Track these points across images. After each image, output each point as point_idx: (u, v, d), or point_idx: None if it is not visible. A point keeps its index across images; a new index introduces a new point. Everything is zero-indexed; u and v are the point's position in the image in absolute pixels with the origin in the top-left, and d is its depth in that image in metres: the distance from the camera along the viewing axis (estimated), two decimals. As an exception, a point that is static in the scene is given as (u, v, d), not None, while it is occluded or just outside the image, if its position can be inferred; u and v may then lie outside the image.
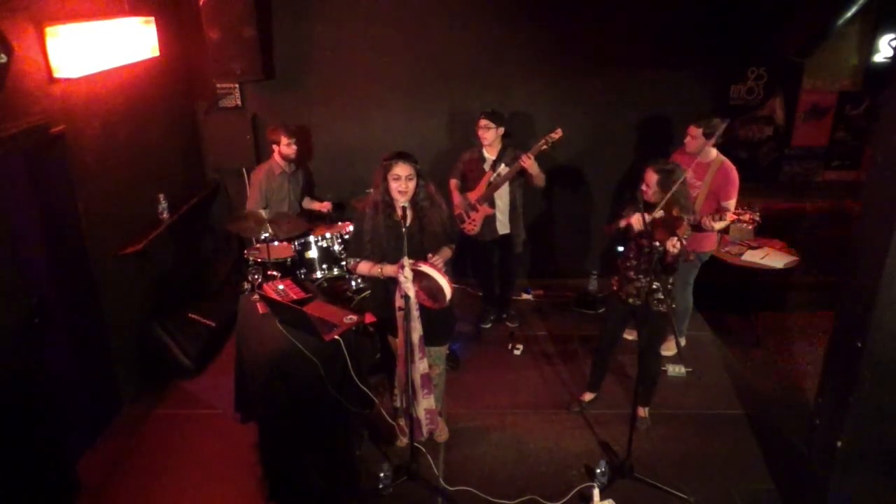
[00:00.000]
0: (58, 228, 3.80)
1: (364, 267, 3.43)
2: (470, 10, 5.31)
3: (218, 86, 5.45)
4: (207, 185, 5.75)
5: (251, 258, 4.72)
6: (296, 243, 4.82)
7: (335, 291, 4.93)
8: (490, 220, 4.78)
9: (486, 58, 5.45)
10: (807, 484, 3.33)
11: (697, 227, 4.00)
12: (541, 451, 3.91)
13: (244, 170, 5.56)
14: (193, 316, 4.86)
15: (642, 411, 4.06)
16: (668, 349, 4.83)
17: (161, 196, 4.80)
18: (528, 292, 5.84)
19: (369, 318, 3.63)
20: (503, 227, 4.83)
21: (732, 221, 3.73)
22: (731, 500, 3.54)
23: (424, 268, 3.14)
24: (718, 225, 3.95)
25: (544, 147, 4.47)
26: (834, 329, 3.16)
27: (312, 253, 4.87)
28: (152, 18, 4.49)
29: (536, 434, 4.05)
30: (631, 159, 5.53)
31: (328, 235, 4.90)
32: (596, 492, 3.44)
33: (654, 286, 3.52)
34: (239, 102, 5.55)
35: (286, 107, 5.55)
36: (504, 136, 4.69)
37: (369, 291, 4.02)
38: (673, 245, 3.31)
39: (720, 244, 5.09)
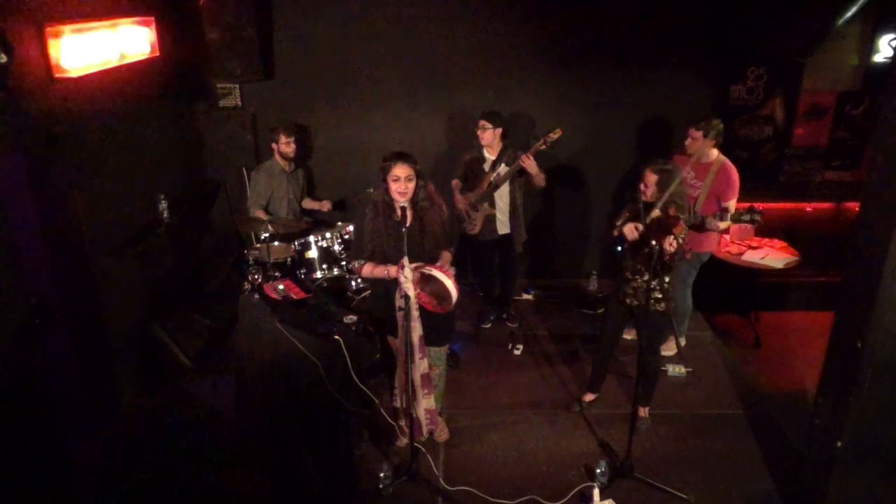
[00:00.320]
0: (58, 228, 3.80)
1: (367, 269, 3.40)
2: (470, 10, 5.31)
3: (218, 86, 5.45)
4: (207, 185, 5.75)
5: (251, 258, 4.72)
6: (296, 243, 4.82)
7: (335, 291, 4.93)
8: (490, 220, 4.78)
9: (486, 58, 5.45)
10: (807, 484, 3.33)
11: (701, 227, 4.00)
12: (541, 451, 3.91)
13: (244, 170, 5.56)
14: (193, 316, 4.86)
15: (642, 411, 4.06)
16: (668, 349, 4.83)
17: (161, 196, 4.80)
18: (528, 292, 5.84)
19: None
20: (503, 227, 4.84)
21: (734, 222, 3.73)
22: (731, 500, 3.54)
23: (434, 272, 3.13)
24: (723, 224, 3.95)
25: (543, 147, 4.47)
26: (834, 329, 3.16)
27: (312, 253, 4.87)
28: (152, 18, 4.49)
29: (536, 434, 4.05)
30: (631, 159, 5.53)
31: (328, 235, 4.90)
32: (596, 492, 3.44)
33: (651, 285, 3.53)
34: (239, 102, 5.55)
35: (286, 107, 5.55)
36: (504, 137, 4.69)
37: (369, 291, 4.02)
38: (669, 244, 3.32)
39: (720, 244, 5.09)
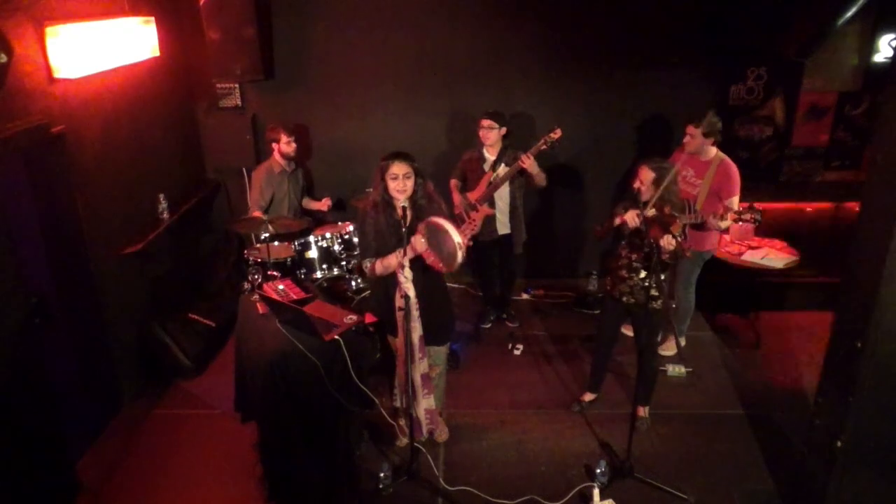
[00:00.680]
0: (58, 228, 3.80)
1: (379, 265, 3.36)
2: (470, 10, 5.31)
3: (218, 86, 5.45)
4: (207, 185, 5.75)
5: (251, 258, 4.72)
6: (296, 243, 4.82)
7: (335, 291, 4.93)
8: (490, 220, 4.78)
9: (487, 58, 5.45)
10: (807, 484, 3.33)
11: (702, 226, 4.00)
12: (541, 451, 3.91)
13: (244, 169, 5.56)
14: (193, 316, 4.86)
15: (642, 411, 4.06)
16: (668, 349, 4.84)
17: (161, 196, 4.80)
18: (528, 292, 5.84)
19: (369, 318, 3.63)
20: (503, 227, 4.84)
21: (734, 221, 3.73)
22: (731, 500, 3.55)
23: (440, 221, 3.07)
24: (724, 223, 3.95)
25: (543, 147, 4.47)
26: (834, 329, 3.16)
27: (312, 253, 4.87)
28: (152, 18, 4.49)
29: (536, 434, 4.05)
30: (631, 159, 5.52)
31: (328, 235, 4.90)
32: (596, 492, 3.44)
33: (647, 283, 3.53)
34: (239, 102, 5.55)
35: (286, 107, 5.55)
36: (504, 136, 4.69)
37: (369, 291, 4.01)
38: (668, 242, 3.32)
39: (720, 244, 5.09)
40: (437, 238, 3.14)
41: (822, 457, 3.17)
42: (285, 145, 4.87)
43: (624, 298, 3.78)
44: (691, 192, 4.33)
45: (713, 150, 4.32)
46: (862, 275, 2.89)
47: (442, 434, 3.97)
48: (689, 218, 3.73)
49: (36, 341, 3.40)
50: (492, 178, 4.67)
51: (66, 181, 3.75)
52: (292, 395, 3.32)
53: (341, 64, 5.47)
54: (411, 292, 3.18)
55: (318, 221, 5.32)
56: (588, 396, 4.29)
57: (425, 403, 3.50)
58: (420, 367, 3.38)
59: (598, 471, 3.57)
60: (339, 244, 4.93)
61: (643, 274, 3.65)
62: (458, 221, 4.74)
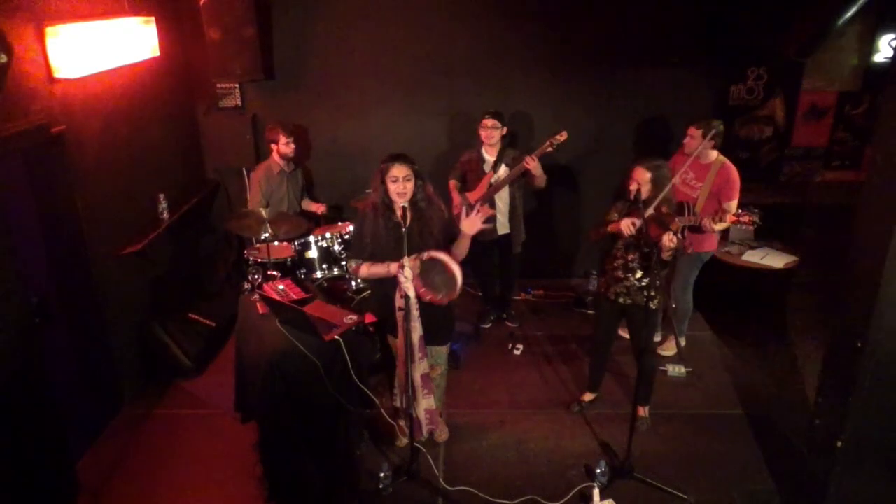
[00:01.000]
0: (58, 228, 3.80)
1: (365, 269, 3.42)
2: (470, 10, 5.31)
3: (218, 86, 5.45)
4: (207, 185, 5.75)
5: (251, 258, 4.72)
6: (296, 243, 4.82)
7: (335, 291, 4.93)
8: (490, 221, 4.77)
9: (487, 57, 5.45)
10: (807, 484, 3.33)
11: (698, 229, 4.00)
12: (541, 451, 3.91)
13: (244, 169, 5.56)
14: (193, 316, 4.86)
15: (642, 411, 4.06)
16: (668, 349, 4.84)
17: (161, 196, 4.80)
18: (528, 292, 5.84)
19: (369, 318, 3.63)
20: (503, 227, 4.84)
21: (732, 223, 3.73)
22: (731, 500, 3.54)
23: (434, 254, 3.13)
24: (719, 226, 3.95)
25: (549, 149, 4.46)
26: (834, 329, 3.16)
27: (312, 253, 4.87)
28: (152, 18, 4.49)
29: (536, 434, 4.05)
30: (631, 159, 5.51)
31: (328, 235, 4.90)
32: (596, 492, 3.44)
33: (644, 283, 3.53)
34: (239, 102, 5.55)
35: (286, 107, 5.55)
36: (503, 136, 4.69)
37: (369, 291, 4.02)
38: (669, 239, 3.32)
39: (720, 244, 5.09)
40: (432, 271, 3.19)
41: (822, 457, 3.17)
42: (284, 146, 4.87)
43: (621, 300, 3.77)
44: (691, 194, 4.33)
45: (714, 153, 4.32)
46: (862, 275, 2.89)
47: (442, 434, 3.97)
48: (688, 220, 3.74)
49: (36, 341, 3.40)
50: (492, 180, 4.66)
51: (66, 181, 3.75)
52: (292, 395, 3.32)
53: (341, 64, 5.47)
54: (411, 292, 3.18)
55: (316, 222, 5.32)
56: (588, 396, 4.29)
57: (425, 403, 3.50)
58: (420, 367, 3.38)
59: (598, 471, 3.57)
60: (339, 244, 4.93)
61: (640, 274, 3.66)
62: (458, 222, 4.75)
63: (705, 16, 5.20)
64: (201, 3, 4.79)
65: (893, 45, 5.27)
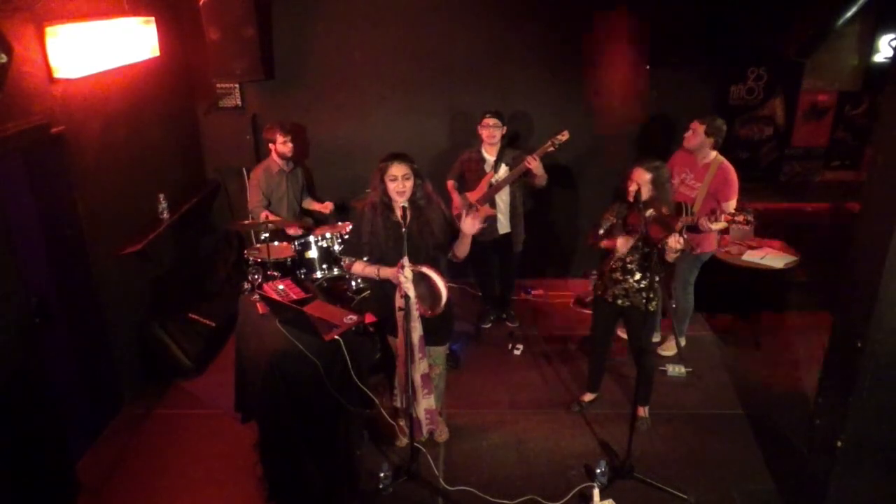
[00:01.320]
0: (58, 228, 3.80)
1: (358, 267, 3.45)
2: (470, 10, 5.31)
3: (218, 86, 5.45)
4: (207, 185, 5.75)
5: (251, 258, 4.72)
6: (296, 243, 4.82)
7: (335, 291, 4.93)
8: (490, 221, 4.78)
9: (487, 57, 5.45)
10: (807, 484, 3.33)
11: (695, 228, 4.00)
12: (541, 451, 3.91)
13: (244, 169, 5.56)
14: (193, 316, 4.86)
15: (642, 411, 4.06)
16: (668, 349, 4.84)
17: (161, 196, 4.80)
18: (528, 292, 5.84)
19: (369, 318, 3.63)
20: (503, 227, 4.84)
21: (727, 222, 3.73)
22: (731, 500, 3.54)
23: (425, 269, 3.17)
24: (716, 226, 3.95)
25: (551, 149, 4.46)
26: (834, 329, 3.16)
27: (312, 253, 4.86)
28: (152, 18, 4.49)
29: (536, 434, 4.05)
30: (631, 159, 5.51)
31: (328, 235, 4.89)
32: (596, 492, 3.44)
33: (642, 284, 3.53)
34: (239, 102, 5.55)
35: (286, 107, 5.55)
36: (503, 136, 4.69)
37: (369, 291, 4.02)
38: (676, 241, 3.32)
39: (720, 244, 5.09)
40: (420, 284, 3.23)
41: (822, 457, 3.17)
42: (281, 145, 4.86)
43: (619, 301, 3.77)
44: (689, 194, 4.33)
45: (713, 153, 4.32)
46: (862, 275, 2.89)
47: (442, 434, 3.97)
48: (686, 220, 3.74)
49: (36, 341, 3.40)
50: (493, 179, 4.66)
51: (66, 181, 3.75)
52: (292, 395, 3.32)
53: (341, 64, 5.47)
54: (411, 292, 3.18)
55: (318, 222, 5.32)
56: (588, 396, 4.29)
57: (425, 403, 3.50)
58: (420, 367, 3.38)
59: (598, 471, 3.57)
60: (339, 244, 4.92)
61: (638, 276, 3.65)
62: (457, 221, 4.75)
63: (705, 16, 5.20)
64: (201, 3, 4.78)
65: (893, 45, 5.27)
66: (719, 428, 4.11)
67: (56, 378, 3.69)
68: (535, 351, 4.99)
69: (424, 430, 3.60)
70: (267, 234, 4.63)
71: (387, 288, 3.40)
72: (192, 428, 4.14)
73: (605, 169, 5.67)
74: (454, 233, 3.42)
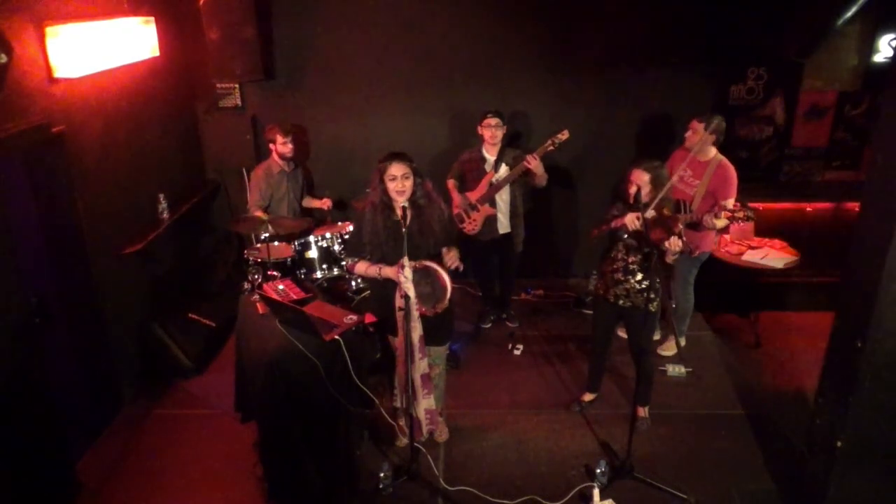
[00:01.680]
0: (58, 228, 3.80)
1: (361, 267, 3.44)
2: (470, 10, 5.31)
3: (218, 86, 5.45)
4: (207, 185, 5.75)
5: (251, 258, 4.72)
6: (296, 243, 4.82)
7: (335, 291, 4.93)
8: (491, 220, 4.78)
9: (486, 58, 5.45)
10: (807, 484, 3.33)
11: (696, 226, 4.00)
12: (541, 451, 3.91)
13: (244, 170, 5.56)
14: (193, 316, 4.86)
15: (642, 411, 4.06)
16: (668, 349, 4.84)
17: (161, 196, 4.80)
18: (528, 292, 5.84)
19: (369, 318, 3.63)
20: (503, 226, 4.84)
21: (728, 218, 3.73)
22: (731, 500, 3.54)
23: (428, 263, 3.16)
24: (720, 223, 3.95)
25: (551, 148, 4.46)
26: (834, 329, 3.16)
27: (312, 253, 4.87)
28: (152, 18, 4.49)
29: (536, 434, 4.05)
30: (630, 159, 5.51)
31: (328, 235, 4.90)
32: (596, 492, 3.44)
33: (643, 285, 3.52)
34: (239, 102, 5.56)
35: (286, 107, 5.55)
36: (503, 136, 4.69)
37: (369, 291, 4.02)
38: (675, 244, 3.32)
39: (720, 244, 5.09)
40: (421, 282, 3.24)
41: (822, 457, 3.17)
42: (281, 146, 4.87)
43: (620, 302, 3.76)
44: (688, 192, 4.33)
45: (712, 151, 4.31)
46: (862, 275, 2.89)
47: (442, 434, 3.97)
48: (685, 218, 3.74)
49: (36, 341, 3.40)
50: (493, 179, 4.66)
51: (66, 181, 3.75)
52: (292, 395, 3.32)
53: (341, 64, 5.47)
54: (411, 292, 3.18)
55: (318, 221, 5.32)
56: (588, 396, 4.29)
57: (425, 403, 3.50)
58: (420, 367, 3.38)
59: (598, 471, 3.57)
60: (339, 244, 4.93)
61: (639, 276, 3.65)
62: (458, 221, 4.76)
63: (705, 16, 5.20)
64: (201, 3, 4.78)
65: (893, 45, 5.27)
66: (719, 428, 4.10)
67: (56, 378, 3.69)
68: (535, 351, 4.99)
69: (424, 430, 3.60)
70: (267, 234, 4.63)
71: (387, 288, 3.40)
72: (192, 428, 4.14)
73: (605, 169, 5.67)
74: (453, 232, 3.42)
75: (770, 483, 3.66)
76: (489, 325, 5.31)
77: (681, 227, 3.47)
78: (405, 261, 3.17)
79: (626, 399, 4.31)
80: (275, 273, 4.39)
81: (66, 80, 3.61)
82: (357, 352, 3.43)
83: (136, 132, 4.53)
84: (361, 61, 5.46)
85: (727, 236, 5.22)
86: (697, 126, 4.26)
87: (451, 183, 4.83)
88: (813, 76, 5.47)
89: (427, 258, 3.32)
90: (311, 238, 4.87)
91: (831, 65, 5.43)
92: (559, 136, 4.43)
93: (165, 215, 4.83)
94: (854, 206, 5.49)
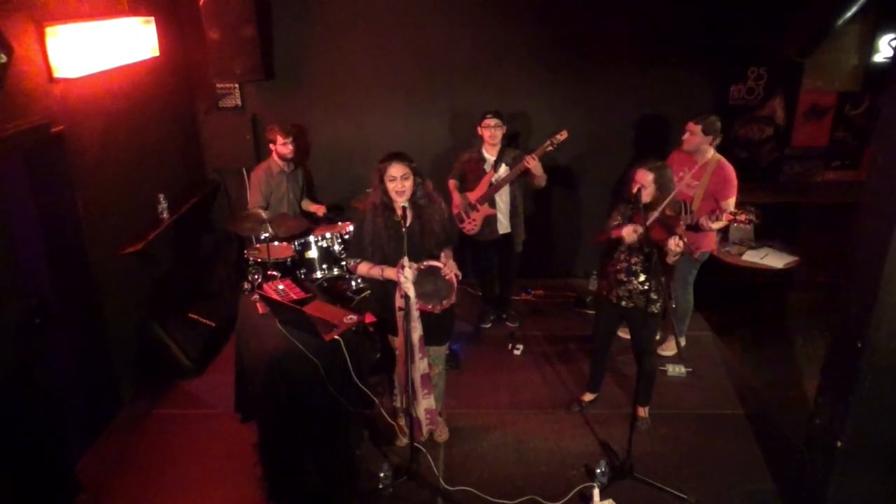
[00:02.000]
0: (58, 228, 3.80)
1: (364, 268, 3.44)
2: (470, 10, 5.31)
3: (218, 86, 5.45)
4: (207, 185, 5.75)
5: (251, 258, 4.72)
6: (296, 243, 4.82)
7: (335, 291, 4.93)
8: (490, 220, 4.78)
9: (486, 57, 5.45)
10: (807, 484, 3.33)
11: (695, 228, 4.00)
12: (541, 451, 3.91)
13: (244, 170, 5.56)
14: (193, 316, 4.86)
15: (642, 411, 4.06)
16: (668, 349, 4.84)
17: (161, 196, 4.80)
18: (528, 292, 5.84)
19: (369, 318, 3.63)
20: (503, 227, 4.83)
21: (729, 221, 3.72)
22: (731, 500, 3.54)
23: (431, 262, 3.17)
24: (716, 225, 3.95)
25: (550, 148, 4.47)
26: (834, 329, 3.16)
27: (312, 253, 4.87)
28: (152, 18, 4.49)
29: (536, 434, 4.05)
30: (630, 159, 5.53)
31: (328, 235, 4.90)
32: (596, 492, 3.44)
33: (646, 286, 3.52)
34: (239, 102, 5.56)
35: (286, 107, 5.55)
36: (503, 136, 4.69)
37: (369, 291, 4.02)
38: (676, 244, 3.31)
39: (720, 244, 5.09)
40: (425, 281, 3.25)
41: (822, 457, 3.17)
42: (281, 146, 4.86)
43: (623, 303, 3.76)
44: (688, 193, 4.33)
45: (710, 151, 4.31)
46: (862, 275, 2.89)
47: (442, 434, 3.97)
48: (685, 219, 3.73)
49: (36, 341, 3.40)
50: (493, 179, 4.66)
51: (66, 181, 3.74)
52: (292, 395, 3.32)
53: (341, 64, 5.47)
54: (411, 292, 3.18)
55: (315, 223, 5.32)
56: (588, 396, 4.29)
57: (425, 403, 3.50)
58: (420, 367, 3.38)
59: (598, 471, 3.57)
60: (339, 244, 4.93)
61: (643, 277, 3.64)
62: (458, 221, 4.76)
63: (705, 16, 5.20)
64: (201, 3, 4.79)
65: (893, 45, 5.27)
66: (719, 428, 4.10)
67: (56, 378, 3.69)
68: (535, 351, 4.99)
69: (424, 430, 3.61)
70: (267, 234, 4.63)
71: (387, 288, 3.40)
72: (192, 428, 4.13)
73: (605, 169, 5.68)
74: (454, 232, 3.42)
75: (770, 483, 3.66)
76: (489, 325, 5.31)
77: (682, 227, 3.46)
78: (405, 261, 3.17)
79: (626, 399, 4.31)
80: (275, 273, 4.39)
81: (65, 80, 3.61)
82: (357, 352, 3.43)
83: (136, 132, 4.53)
84: (361, 61, 5.46)
85: (727, 236, 5.23)
86: (694, 127, 4.26)
87: (452, 183, 4.84)
88: (813, 76, 5.47)
89: (428, 258, 3.32)
90: (311, 238, 4.87)
91: (831, 65, 5.43)
92: (558, 136, 4.43)
93: (165, 215, 4.82)
94: (854, 206, 5.49)
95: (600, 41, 5.36)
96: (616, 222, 3.74)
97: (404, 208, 3.25)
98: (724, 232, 5.04)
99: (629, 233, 3.51)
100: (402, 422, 3.78)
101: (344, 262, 4.90)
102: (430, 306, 3.29)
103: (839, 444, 3.01)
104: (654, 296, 3.54)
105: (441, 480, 3.64)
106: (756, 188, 5.46)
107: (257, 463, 3.62)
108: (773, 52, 5.21)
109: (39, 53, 3.43)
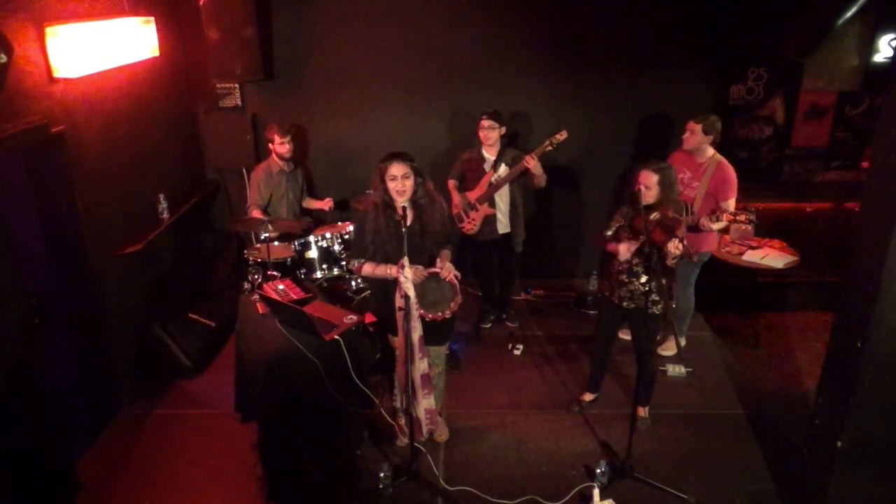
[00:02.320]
0: (58, 228, 3.80)
1: (368, 268, 3.42)
2: (470, 10, 5.31)
3: (218, 86, 5.45)
4: (207, 185, 5.75)
5: (251, 258, 4.72)
6: (296, 243, 4.82)
7: (335, 291, 4.93)
8: (490, 220, 4.78)
9: (486, 57, 5.45)
10: (807, 484, 3.33)
11: (695, 228, 4.00)
12: (541, 451, 3.91)
13: (244, 170, 5.56)
14: (193, 316, 4.86)
15: (642, 411, 4.06)
16: (668, 349, 4.84)
17: (161, 196, 4.80)
18: (528, 292, 5.84)
19: (369, 318, 3.63)
20: (503, 226, 4.84)
21: (729, 222, 3.72)
22: (731, 500, 3.54)
23: (434, 270, 3.18)
24: (717, 226, 3.95)
25: (549, 148, 4.47)
26: (834, 329, 3.17)
27: (312, 253, 4.87)
28: (152, 18, 4.49)
29: (536, 434, 4.05)
30: (630, 159, 5.53)
31: (328, 235, 4.90)
32: (596, 492, 3.44)
33: (648, 288, 3.52)
34: (239, 102, 5.55)
35: (286, 107, 5.55)
36: (503, 136, 4.69)
37: (369, 291, 4.02)
38: (675, 247, 3.31)
39: (720, 244, 5.09)
40: (427, 290, 3.26)
41: (822, 457, 3.18)
42: (279, 146, 4.86)
43: (624, 304, 3.76)
44: (689, 194, 4.33)
45: (710, 151, 4.32)
46: (862, 275, 2.89)
47: (442, 434, 3.97)
48: (686, 220, 3.73)
49: (36, 341, 3.40)
50: (493, 179, 4.66)
51: (66, 181, 3.74)
52: (292, 395, 3.32)
53: (341, 64, 5.47)
54: (411, 292, 3.18)
55: (318, 221, 5.33)
56: (588, 396, 4.29)
57: (425, 403, 3.50)
58: (420, 367, 3.38)
59: (598, 471, 3.57)
60: (339, 244, 4.93)
61: (644, 279, 3.64)
62: (457, 220, 4.76)
63: (705, 16, 5.20)
64: (201, 3, 4.78)
65: (893, 45, 5.27)
66: (719, 428, 4.11)
67: (56, 378, 3.69)
68: (535, 351, 4.99)
69: (424, 430, 3.61)
70: (267, 234, 4.63)
71: (388, 287, 3.40)
72: (192, 428, 4.13)
73: (605, 169, 5.68)
74: (451, 235, 3.43)
75: (770, 483, 3.66)
76: (489, 325, 5.31)
77: (683, 230, 3.46)
78: (405, 261, 3.17)
79: (627, 399, 4.31)
80: (275, 273, 4.39)
81: (65, 80, 3.61)
82: (357, 352, 3.43)
83: (136, 132, 4.53)
84: (361, 61, 5.46)
85: (727, 236, 5.23)
86: (694, 127, 4.26)
87: (451, 183, 4.84)
88: (813, 76, 5.47)
89: (428, 258, 3.32)
90: (311, 238, 4.87)
91: (831, 65, 5.43)
92: (557, 136, 4.43)
93: (165, 215, 4.82)
94: (854, 206, 5.50)
95: (600, 41, 5.35)
96: (617, 224, 3.74)
97: (405, 208, 3.25)
98: (723, 231, 5.04)
99: (624, 252, 3.54)
100: (402, 422, 3.78)
101: (344, 262, 4.90)
102: (440, 313, 3.29)
103: (839, 444, 3.01)
104: (655, 297, 3.54)
105: (441, 480, 3.64)
106: (756, 188, 5.45)
107: (257, 463, 3.61)
108: (773, 52, 5.21)
109: (39, 53, 3.43)
